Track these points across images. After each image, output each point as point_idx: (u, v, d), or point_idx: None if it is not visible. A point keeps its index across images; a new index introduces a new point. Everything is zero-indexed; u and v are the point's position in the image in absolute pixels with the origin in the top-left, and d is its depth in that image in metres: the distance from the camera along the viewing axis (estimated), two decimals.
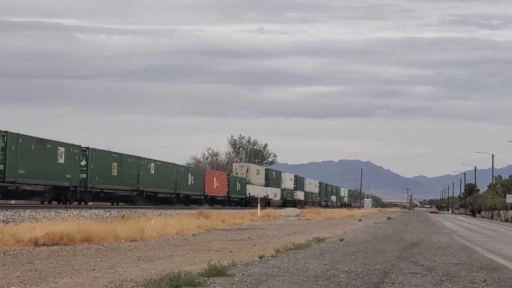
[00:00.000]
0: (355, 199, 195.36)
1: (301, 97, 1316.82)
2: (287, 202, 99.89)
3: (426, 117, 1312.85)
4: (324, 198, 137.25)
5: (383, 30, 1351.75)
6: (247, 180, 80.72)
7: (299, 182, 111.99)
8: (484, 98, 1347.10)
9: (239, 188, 77.37)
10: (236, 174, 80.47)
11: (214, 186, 68.25)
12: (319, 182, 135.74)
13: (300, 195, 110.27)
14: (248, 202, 78.76)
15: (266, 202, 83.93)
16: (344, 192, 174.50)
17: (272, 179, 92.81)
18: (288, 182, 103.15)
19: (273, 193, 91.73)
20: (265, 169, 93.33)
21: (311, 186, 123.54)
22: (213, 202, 67.81)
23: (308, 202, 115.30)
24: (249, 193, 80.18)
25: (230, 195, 73.64)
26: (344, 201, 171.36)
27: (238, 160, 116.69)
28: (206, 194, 65.68)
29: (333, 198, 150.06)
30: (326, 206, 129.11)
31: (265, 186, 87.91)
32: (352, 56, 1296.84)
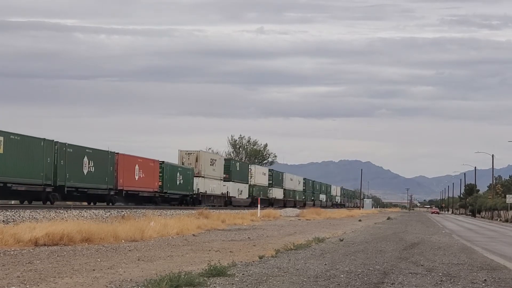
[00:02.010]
0: (350, 199, 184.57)
1: (301, 97, 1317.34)
2: (260, 200, 78.24)
3: (426, 117, 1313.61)
4: (311, 197, 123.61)
5: (383, 30, 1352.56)
6: (195, 171, 64.24)
7: (276, 178, 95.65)
8: (484, 98, 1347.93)
9: (182, 181, 60.31)
10: (182, 163, 64.31)
11: (136, 177, 51.13)
12: (304, 179, 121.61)
13: (277, 193, 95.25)
14: (197, 201, 63.34)
15: (226, 201, 71.54)
16: (336, 191, 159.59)
17: (235, 172, 76.28)
18: (259, 177, 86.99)
19: (237, 190, 75.93)
20: (226, 159, 77.65)
21: (293, 182, 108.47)
22: (134, 199, 50.75)
23: (289, 201, 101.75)
24: (198, 189, 64.01)
25: (165, 191, 56.86)
26: (336, 200, 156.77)
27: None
28: (119, 188, 48.09)
29: (322, 197, 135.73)
30: (313, 207, 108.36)
31: (224, 181, 71.85)
32: (352, 56, 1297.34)
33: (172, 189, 58.31)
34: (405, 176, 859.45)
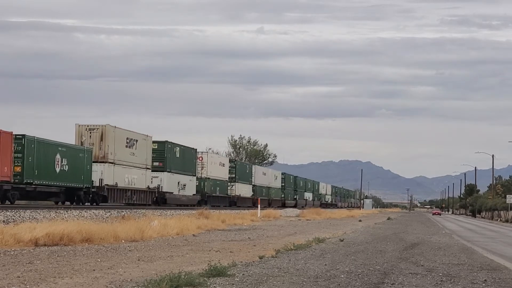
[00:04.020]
0: (343, 198, 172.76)
1: (301, 97, 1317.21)
2: (214, 198, 67.14)
3: (426, 117, 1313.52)
4: (293, 195, 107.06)
5: (383, 31, 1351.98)
6: (98, 155, 45.81)
7: (240, 171, 77.79)
8: (484, 98, 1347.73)
9: (66, 168, 41.22)
10: (82, 144, 45.36)
11: None
12: (283, 174, 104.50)
13: (243, 190, 77.68)
14: (100, 197, 45.29)
15: (157, 198, 54.03)
16: (325, 189, 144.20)
17: (174, 159, 56.52)
18: (214, 168, 67.55)
19: (177, 183, 57.22)
20: (158, 142, 55.60)
21: (267, 178, 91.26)
22: None
23: (262, 200, 78.18)
24: (102, 180, 45.12)
25: (28, 181, 37.87)
26: (326, 200, 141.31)
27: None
28: None
29: (308, 195, 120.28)
30: (295, 206, 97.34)
31: (156, 171, 54.06)
32: (352, 56, 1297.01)
33: (43, 179, 39.12)
34: (405, 176, 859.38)
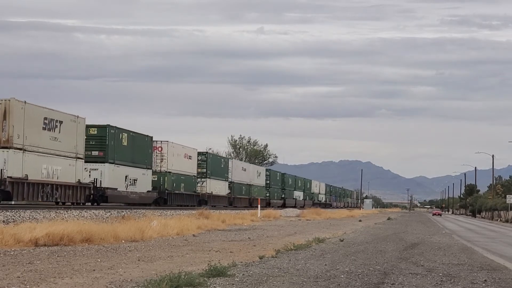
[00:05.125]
0: (339, 198, 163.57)
1: (301, 97, 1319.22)
2: (177, 196, 56.74)
3: (426, 117, 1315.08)
4: (280, 194, 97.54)
5: (383, 31, 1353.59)
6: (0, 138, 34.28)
7: (214, 165, 67.19)
8: (484, 98, 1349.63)
9: None
10: None
11: None
12: (268, 170, 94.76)
13: (216, 187, 67.29)
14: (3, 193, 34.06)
15: (93, 196, 42.49)
16: (318, 188, 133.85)
17: (118, 148, 45.82)
18: (177, 160, 56.60)
19: (124, 178, 46.46)
20: (98, 127, 45.11)
21: (247, 174, 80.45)
22: None
23: (240, 199, 75.12)
24: (2, 171, 33.41)
25: None
26: (319, 199, 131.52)
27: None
28: None
29: (298, 195, 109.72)
30: (284, 206, 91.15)
31: (84, 161, 41.02)
32: (352, 56, 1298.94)
33: None
34: (405, 176, 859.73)
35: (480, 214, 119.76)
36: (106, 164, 44.40)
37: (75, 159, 40.24)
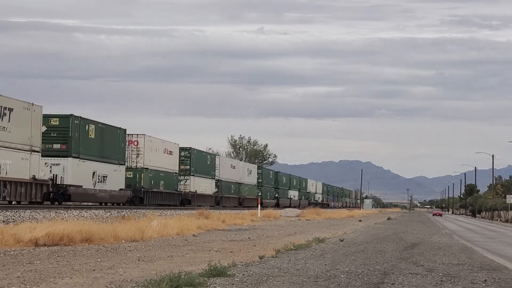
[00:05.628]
0: (337, 197, 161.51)
1: (301, 97, 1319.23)
2: (155, 195, 52.37)
3: (426, 117, 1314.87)
4: (273, 194, 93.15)
5: (383, 31, 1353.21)
6: None
7: (198, 162, 62.49)
8: (484, 98, 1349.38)
9: None
10: None
11: None
12: (260, 168, 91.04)
13: (201, 186, 62.74)
14: None
15: (57, 194, 38.75)
16: (314, 187, 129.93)
17: (84, 141, 41.36)
18: (156, 156, 52.20)
19: (91, 174, 42.11)
20: (61, 116, 40.73)
21: (237, 172, 76.70)
22: None
23: (229, 198, 70.34)
24: None
25: None
26: (316, 199, 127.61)
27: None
28: None
29: (293, 194, 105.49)
30: (277, 206, 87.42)
31: (40, 155, 36.47)
32: (352, 56, 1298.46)
33: None
34: (405, 176, 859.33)
35: (480, 214, 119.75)
36: (69, 158, 39.89)
37: (29, 152, 35.24)
